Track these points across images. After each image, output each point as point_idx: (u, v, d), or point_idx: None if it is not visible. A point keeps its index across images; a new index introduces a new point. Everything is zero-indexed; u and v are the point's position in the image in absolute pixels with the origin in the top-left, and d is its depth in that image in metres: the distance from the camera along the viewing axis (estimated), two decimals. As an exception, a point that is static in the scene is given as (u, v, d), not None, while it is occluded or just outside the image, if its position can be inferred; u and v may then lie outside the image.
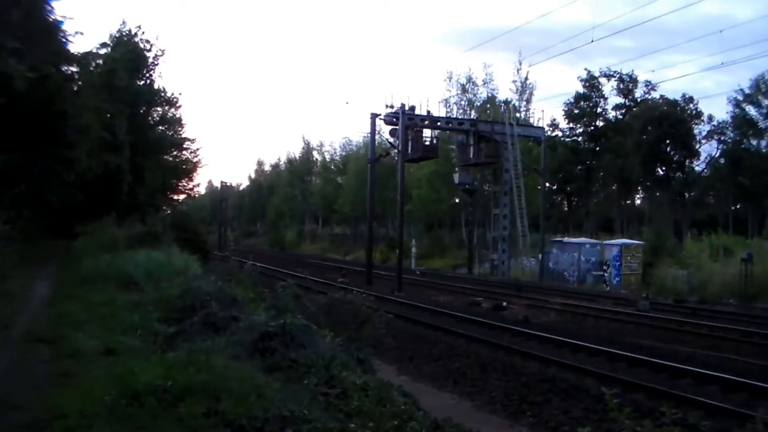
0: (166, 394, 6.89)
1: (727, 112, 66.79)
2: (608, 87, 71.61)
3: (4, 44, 19.86)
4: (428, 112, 44.69)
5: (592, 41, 35.86)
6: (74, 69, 30.54)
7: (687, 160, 66.43)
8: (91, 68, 35.23)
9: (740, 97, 63.73)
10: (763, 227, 56.61)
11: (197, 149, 49.60)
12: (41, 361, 9.62)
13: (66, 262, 25.36)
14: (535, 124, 51.43)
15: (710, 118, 67.48)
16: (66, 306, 14.30)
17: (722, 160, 66.25)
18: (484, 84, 63.87)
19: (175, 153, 47.97)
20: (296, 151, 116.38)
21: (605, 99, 72.22)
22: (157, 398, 6.77)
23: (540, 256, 45.43)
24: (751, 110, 63.60)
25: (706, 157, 68.04)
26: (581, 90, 71.66)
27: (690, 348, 18.35)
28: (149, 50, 44.09)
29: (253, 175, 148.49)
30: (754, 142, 64.20)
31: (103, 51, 39.46)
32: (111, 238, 26.97)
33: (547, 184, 61.24)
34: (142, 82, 44.00)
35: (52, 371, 8.96)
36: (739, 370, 14.66)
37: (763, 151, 63.32)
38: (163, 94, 45.75)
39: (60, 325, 12.06)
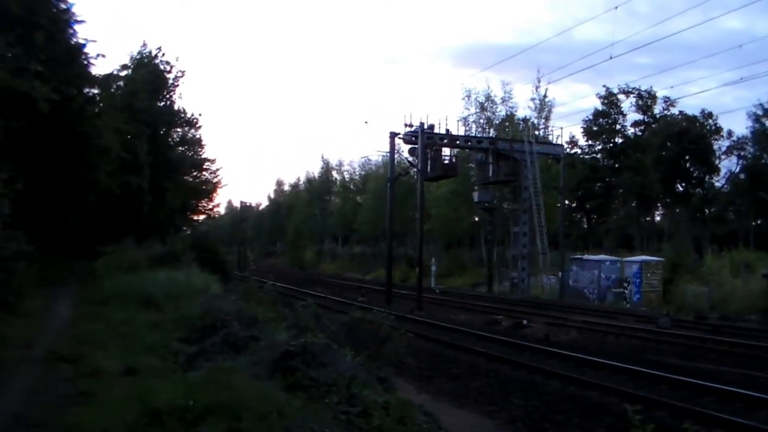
0: (187, 413, 6.90)
1: (746, 128, 66.34)
2: (627, 103, 71.40)
3: (28, 67, 20.12)
4: (447, 130, 44.68)
5: (611, 58, 35.74)
6: (96, 91, 30.91)
7: (707, 176, 65.92)
8: (113, 90, 35.62)
9: (759, 112, 63.32)
10: (784, 243, 56.05)
11: (217, 169, 49.97)
12: (62, 380, 9.67)
13: (87, 282, 25.53)
14: (554, 142, 51.25)
15: (729, 133, 67.02)
16: (87, 325, 14.39)
17: (742, 176, 65.68)
18: (502, 102, 63.78)
19: (195, 173, 48.31)
20: (315, 171, 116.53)
21: (624, 116, 71.93)
22: (178, 417, 6.78)
23: (560, 273, 45.21)
24: (771, 125, 63.17)
25: (725, 173, 67.49)
26: (600, 107, 71.51)
27: (712, 365, 18.19)
28: (169, 72, 44.55)
29: (272, 195, 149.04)
30: (774, 157, 63.70)
31: (124, 73, 39.93)
32: (131, 258, 27.16)
33: (567, 202, 61.00)
34: (163, 103, 44.40)
35: (73, 390, 9.01)
36: (763, 387, 14.51)
37: (784, 166, 62.83)
38: (183, 115, 46.17)
39: (81, 344, 12.13)
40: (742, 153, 65.81)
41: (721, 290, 34.91)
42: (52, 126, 23.91)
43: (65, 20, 24.97)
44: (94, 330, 13.70)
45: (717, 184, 67.49)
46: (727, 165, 66.66)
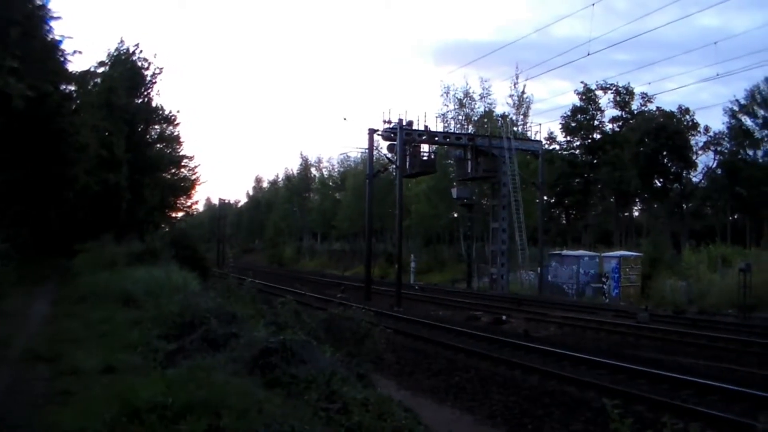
0: (166, 411, 6.86)
1: (723, 123, 66.99)
2: (605, 100, 71.81)
3: (3, 63, 19.95)
4: (426, 127, 44.76)
5: (588, 54, 35.96)
6: (73, 87, 30.69)
7: (684, 172, 66.41)
8: (90, 87, 35.33)
9: (736, 108, 63.93)
10: (760, 237, 56.59)
11: (195, 166, 49.72)
12: (40, 380, 9.60)
13: (65, 280, 25.35)
14: (532, 138, 51.51)
15: (707, 129, 67.66)
16: (65, 324, 14.29)
17: (719, 171, 66.31)
18: (481, 98, 63.97)
19: (173, 170, 48.04)
20: (294, 168, 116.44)
21: (602, 112, 72.38)
22: (158, 415, 6.74)
23: (539, 269, 45.41)
24: (747, 121, 63.79)
25: (703, 168, 68.11)
26: (578, 103, 71.85)
27: (691, 359, 18.35)
28: (147, 68, 44.22)
29: (251, 192, 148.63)
30: (751, 153, 64.31)
31: (101, 69, 39.60)
32: (110, 255, 26.97)
33: (545, 198, 61.25)
34: (140, 100, 44.07)
35: (51, 389, 8.94)
36: (740, 380, 14.65)
37: (760, 161, 63.43)
38: (161, 112, 45.85)
39: (59, 343, 12.04)
40: (719, 148, 66.45)
41: (699, 285, 35.25)
42: (29, 123, 23.75)
43: (41, 16, 24.76)
44: (72, 328, 13.60)
45: (694, 180, 68.14)
46: (704, 160, 67.33)
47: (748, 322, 27.20)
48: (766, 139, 62.59)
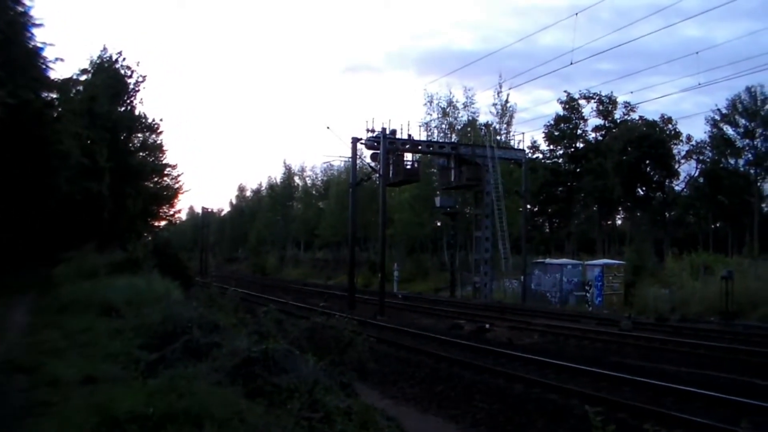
0: (147, 421, 6.81)
1: (705, 132, 67.56)
2: (588, 109, 72.25)
3: (-18, 71, 19.79)
4: (409, 135, 44.74)
5: (572, 63, 36.13)
6: (54, 95, 30.42)
7: (666, 180, 66.92)
8: (72, 94, 35.09)
9: (718, 117, 64.49)
10: (742, 245, 57.01)
11: (178, 175, 49.45)
12: (19, 391, 9.48)
13: (45, 289, 25.13)
14: (515, 147, 51.56)
15: (689, 138, 68.26)
16: (44, 334, 14.14)
17: (701, 180, 66.83)
18: (464, 107, 63.93)
19: (156, 179, 47.76)
20: (277, 176, 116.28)
21: (585, 121, 72.89)
22: (139, 425, 6.69)
23: (522, 277, 45.48)
24: (728, 130, 64.39)
25: (685, 177, 68.72)
26: (561, 112, 72.20)
27: (673, 366, 18.38)
28: (130, 76, 43.99)
29: (234, 201, 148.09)
30: (732, 162, 64.90)
31: (83, 77, 39.38)
32: (91, 264, 26.80)
33: (529, 206, 61.53)
34: (123, 108, 43.82)
35: (30, 400, 8.84)
36: (722, 387, 14.69)
37: (741, 170, 63.97)
38: (144, 120, 45.60)
39: (38, 353, 11.91)
40: (701, 157, 67.06)
41: (681, 292, 35.40)
42: (9, 131, 23.52)
43: (22, 23, 24.57)
44: (52, 338, 13.46)
45: (677, 188, 68.69)
46: (687, 169, 68.01)
47: (731, 329, 27.31)
48: (747, 148, 63.16)
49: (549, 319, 31.40)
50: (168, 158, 49.07)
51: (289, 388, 8.62)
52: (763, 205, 66.47)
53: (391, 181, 44.56)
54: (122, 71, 43.63)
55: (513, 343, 23.80)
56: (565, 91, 73.64)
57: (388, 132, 42.04)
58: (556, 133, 72.34)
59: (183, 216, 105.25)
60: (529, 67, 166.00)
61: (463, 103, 63.70)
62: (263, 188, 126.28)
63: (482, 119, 64.52)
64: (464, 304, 42.25)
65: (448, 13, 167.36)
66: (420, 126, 53.38)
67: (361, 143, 42.49)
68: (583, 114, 72.47)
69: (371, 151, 43.36)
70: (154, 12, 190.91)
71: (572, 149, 72.42)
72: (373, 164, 44.00)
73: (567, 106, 71.96)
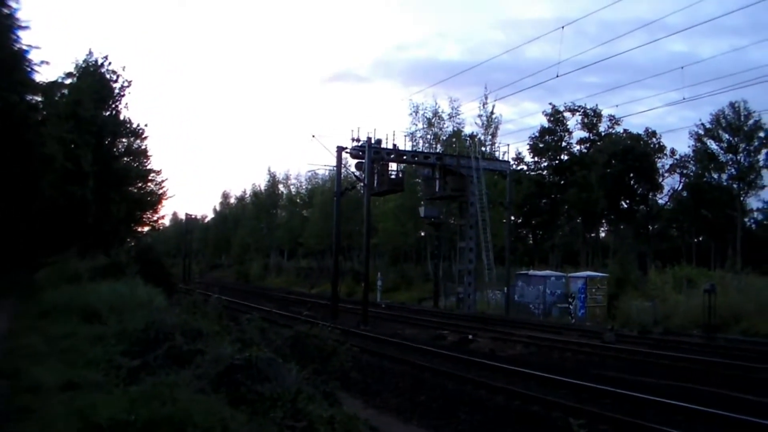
0: (129, 428, 6.77)
1: (689, 146, 68.08)
2: (573, 121, 72.51)
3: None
4: (394, 145, 44.73)
5: (558, 76, 36.40)
6: (39, 98, 30.28)
7: (650, 193, 67.35)
8: (57, 98, 34.95)
9: (702, 132, 64.99)
10: (725, 259, 57.35)
11: (162, 181, 49.38)
12: (-1, 396, 9.41)
13: (27, 294, 24.97)
14: (500, 158, 51.64)
15: (672, 151, 68.76)
16: (25, 339, 14.05)
17: (685, 193, 67.29)
18: (450, 118, 64.03)
19: (140, 185, 47.65)
20: (262, 184, 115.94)
21: (570, 133, 73.07)
22: (121, 432, 6.66)
23: (506, 289, 45.52)
24: (712, 144, 64.90)
25: (669, 191, 69.21)
26: (546, 124, 72.45)
27: (655, 379, 18.43)
28: (116, 81, 43.94)
29: (218, 208, 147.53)
30: (716, 176, 65.39)
31: (68, 81, 39.26)
32: (74, 269, 26.67)
33: (513, 218, 61.61)
34: (108, 113, 43.70)
35: (10, 406, 8.76)
36: (703, 399, 14.74)
37: (724, 184, 64.46)
38: (128, 125, 45.52)
39: (19, 358, 11.82)
40: (685, 171, 67.59)
41: (664, 305, 35.54)
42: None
43: (8, 26, 24.48)
44: (32, 343, 13.37)
45: (660, 201, 69.16)
46: (670, 183, 68.49)
47: (713, 342, 27.46)
48: (730, 162, 63.66)
49: (532, 331, 31.45)
50: (152, 164, 49.03)
51: (272, 397, 8.60)
52: (746, 220, 67.06)
53: (375, 191, 44.52)
54: (108, 75, 43.55)
55: (496, 354, 23.81)
56: (550, 104, 73.60)
57: (373, 141, 42.01)
58: (541, 145, 72.52)
59: (167, 222, 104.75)
60: (515, 79, 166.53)
61: (449, 114, 63.89)
62: (247, 195, 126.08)
63: (467, 130, 64.64)
64: (448, 315, 42.29)
65: (435, 24, 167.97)
66: (405, 136, 53.46)
67: (346, 152, 42.45)
68: (568, 126, 72.72)
69: (356, 161, 43.27)
70: (141, 16, 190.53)
71: (557, 161, 72.62)
72: (358, 173, 43.91)
73: (552, 119, 72.17)
